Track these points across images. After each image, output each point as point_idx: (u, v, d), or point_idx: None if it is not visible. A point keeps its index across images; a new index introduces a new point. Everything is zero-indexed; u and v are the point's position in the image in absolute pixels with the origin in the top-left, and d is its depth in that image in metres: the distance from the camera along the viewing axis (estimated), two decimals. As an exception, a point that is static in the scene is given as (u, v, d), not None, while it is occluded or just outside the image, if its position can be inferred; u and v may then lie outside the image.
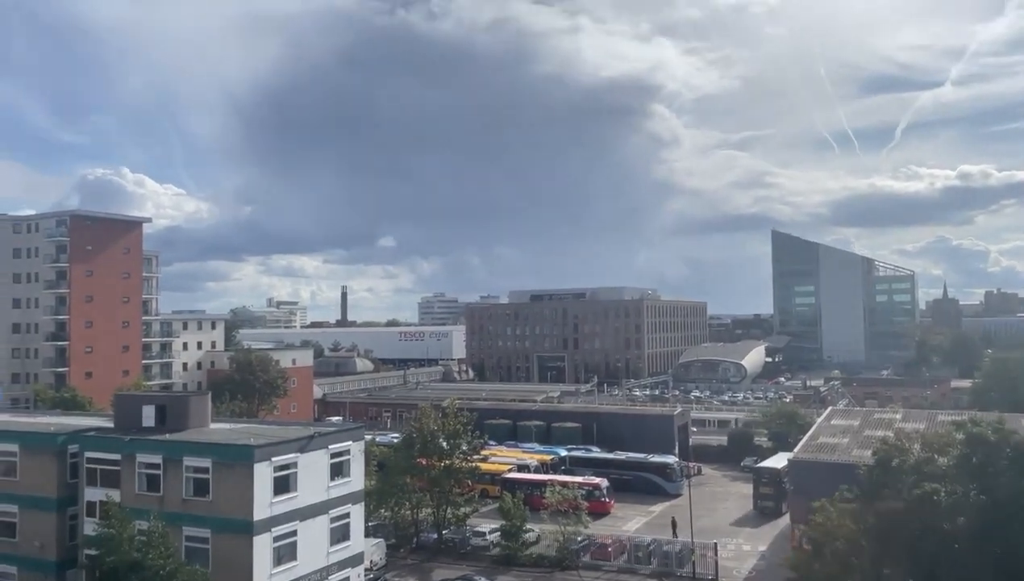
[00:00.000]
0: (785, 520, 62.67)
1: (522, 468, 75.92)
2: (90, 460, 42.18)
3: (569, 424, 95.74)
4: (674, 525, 59.59)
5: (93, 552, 37.41)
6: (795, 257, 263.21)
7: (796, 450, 60.60)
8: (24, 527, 43.64)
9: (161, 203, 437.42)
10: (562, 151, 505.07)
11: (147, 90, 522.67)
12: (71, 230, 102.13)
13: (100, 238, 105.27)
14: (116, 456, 41.36)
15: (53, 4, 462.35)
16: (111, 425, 46.19)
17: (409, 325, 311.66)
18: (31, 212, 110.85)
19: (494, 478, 71.82)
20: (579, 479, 69.09)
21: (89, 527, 40.43)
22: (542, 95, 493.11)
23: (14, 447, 44.66)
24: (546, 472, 75.46)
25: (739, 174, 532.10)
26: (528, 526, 56.67)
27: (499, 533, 57.24)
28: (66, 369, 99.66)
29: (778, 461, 69.68)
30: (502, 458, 79.77)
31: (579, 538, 55.20)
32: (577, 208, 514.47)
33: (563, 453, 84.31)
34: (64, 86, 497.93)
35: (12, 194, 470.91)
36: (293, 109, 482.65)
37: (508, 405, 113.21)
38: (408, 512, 59.98)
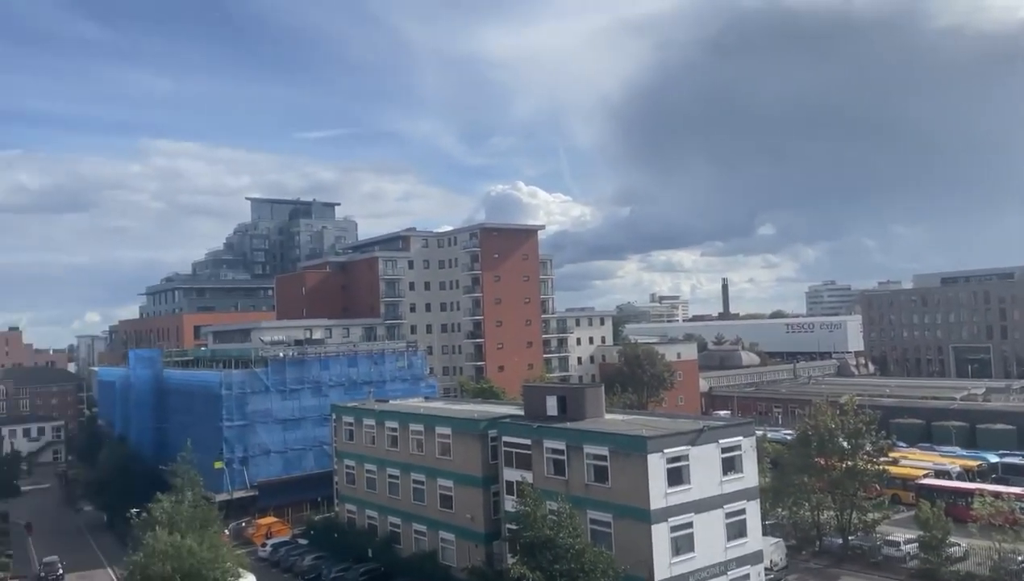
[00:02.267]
0: None
1: (941, 474, 67.20)
2: (506, 444, 47.45)
3: (999, 426, 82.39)
4: None
5: (513, 527, 41.84)
6: None
7: None
8: (458, 500, 50.72)
9: (551, 210, 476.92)
10: (967, 112, 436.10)
11: (536, 110, 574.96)
12: (481, 241, 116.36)
13: (504, 246, 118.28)
14: (527, 441, 45.92)
15: (459, 42, 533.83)
16: (521, 413, 51.40)
17: (796, 316, 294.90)
18: (449, 228, 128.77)
19: (906, 483, 64.72)
20: (1017, 489, 58.81)
21: (508, 504, 45.47)
22: (938, 53, 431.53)
23: (448, 430, 52.19)
24: (972, 480, 65.73)
25: None
26: (952, 539, 49.85)
27: (916, 544, 51.25)
28: (483, 363, 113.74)
29: None
30: (915, 462, 71.77)
31: (1019, 558, 46.95)
32: (992, 174, 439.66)
33: (994, 459, 72.74)
34: (470, 116, 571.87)
35: (435, 213, 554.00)
36: (666, 107, 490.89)
37: (919, 403, 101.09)
38: (808, 513, 56.72)
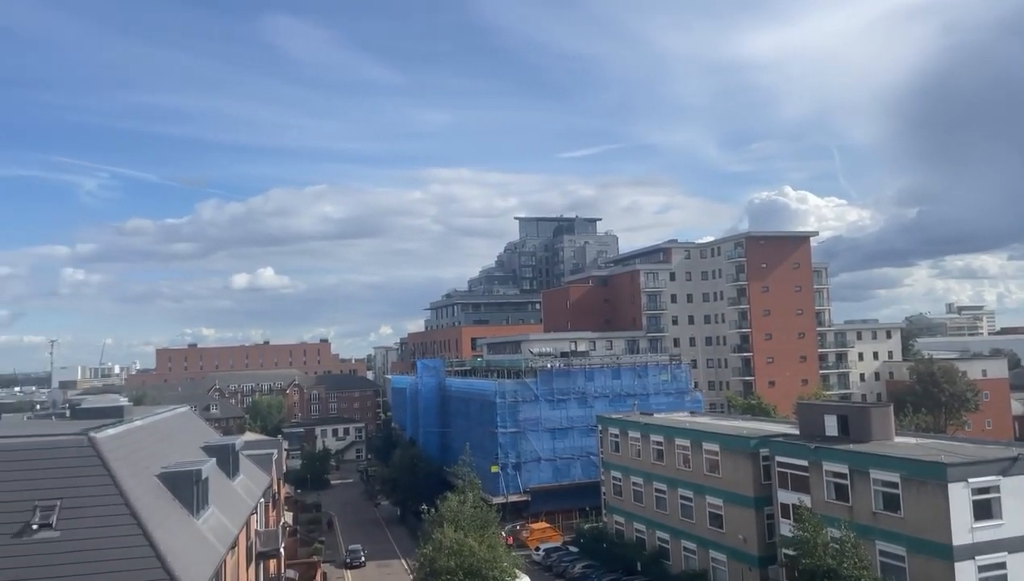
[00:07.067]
0: None
1: None
2: (780, 464, 44.97)
3: None
4: None
5: (789, 552, 39.48)
6: None
7: None
8: (729, 520, 48.97)
9: (823, 216, 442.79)
10: None
11: (803, 111, 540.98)
12: (747, 251, 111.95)
13: (771, 255, 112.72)
14: (803, 462, 43.18)
15: (717, 49, 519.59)
16: (796, 432, 48.42)
17: None
18: (710, 238, 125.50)
19: None
20: None
21: (784, 528, 43.00)
22: None
23: (716, 447, 50.68)
24: None
25: None
26: None
27: None
28: (751, 378, 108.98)
29: None
30: None
31: None
32: None
33: None
34: (730, 122, 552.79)
35: (694, 224, 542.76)
36: (956, 96, 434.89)
37: None
38: None
